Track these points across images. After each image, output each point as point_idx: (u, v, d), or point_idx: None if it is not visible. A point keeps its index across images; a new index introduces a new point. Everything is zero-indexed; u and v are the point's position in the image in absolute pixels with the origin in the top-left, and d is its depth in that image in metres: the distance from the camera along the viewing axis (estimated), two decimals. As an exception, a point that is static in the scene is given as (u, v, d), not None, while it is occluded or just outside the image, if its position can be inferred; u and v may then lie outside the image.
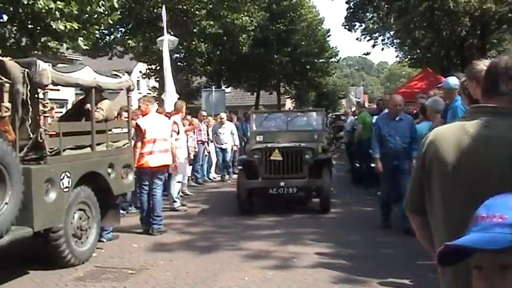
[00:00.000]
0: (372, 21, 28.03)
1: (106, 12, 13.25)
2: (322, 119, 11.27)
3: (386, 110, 9.95)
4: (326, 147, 9.82)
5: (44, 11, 11.02)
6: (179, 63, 24.50)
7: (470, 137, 1.79)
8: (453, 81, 5.75)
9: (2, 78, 5.39)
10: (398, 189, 7.36)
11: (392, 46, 32.03)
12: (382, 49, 69.85)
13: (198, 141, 12.92)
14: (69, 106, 16.03)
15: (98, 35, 17.20)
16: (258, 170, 9.27)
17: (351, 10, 25.85)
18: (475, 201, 1.72)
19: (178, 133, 9.53)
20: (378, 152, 7.75)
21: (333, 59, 40.80)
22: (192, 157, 12.02)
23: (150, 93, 29.17)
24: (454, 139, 1.84)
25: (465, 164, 1.79)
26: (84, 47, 13.85)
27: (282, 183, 8.98)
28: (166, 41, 13.54)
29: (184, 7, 21.73)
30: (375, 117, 11.66)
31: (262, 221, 8.75)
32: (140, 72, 28.66)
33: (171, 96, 12.67)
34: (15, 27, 12.36)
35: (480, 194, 1.75)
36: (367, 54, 37.49)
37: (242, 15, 23.55)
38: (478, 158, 1.77)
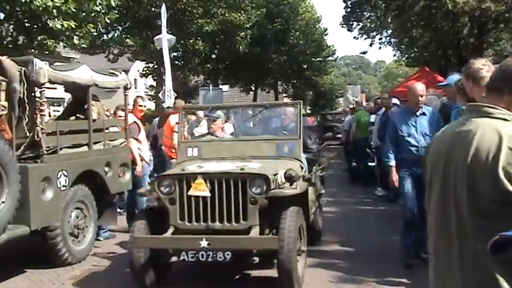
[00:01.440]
0: (369, 20, 28.08)
1: (103, 11, 13.25)
2: (299, 118, 6.22)
3: (383, 109, 9.95)
4: (295, 173, 5.23)
5: (41, 9, 11.01)
6: (176, 62, 24.50)
7: (449, 135, 1.95)
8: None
9: (-1, 76, 5.38)
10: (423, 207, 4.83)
11: (389, 45, 32.12)
12: (380, 48, 70.18)
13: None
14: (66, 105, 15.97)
15: (95, 34, 17.20)
16: (168, 216, 5.09)
17: (349, 9, 25.92)
18: (444, 193, 1.89)
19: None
20: (392, 159, 5.82)
21: (330, 58, 40.97)
22: None
23: (147, 92, 29.22)
24: (441, 138, 2.02)
25: (439, 159, 1.95)
26: (82, 45, 13.85)
27: (204, 242, 4.75)
28: (166, 39, 13.51)
29: (182, 6, 21.73)
30: (373, 116, 11.67)
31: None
32: (138, 71, 28.64)
33: (170, 95, 12.65)
34: (12, 26, 12.37)
35: (446, 187, 1.88)
36: (365, 53, 37.94)
37: (239, 13, 23.56)
38: (445, 153, 1.92)
